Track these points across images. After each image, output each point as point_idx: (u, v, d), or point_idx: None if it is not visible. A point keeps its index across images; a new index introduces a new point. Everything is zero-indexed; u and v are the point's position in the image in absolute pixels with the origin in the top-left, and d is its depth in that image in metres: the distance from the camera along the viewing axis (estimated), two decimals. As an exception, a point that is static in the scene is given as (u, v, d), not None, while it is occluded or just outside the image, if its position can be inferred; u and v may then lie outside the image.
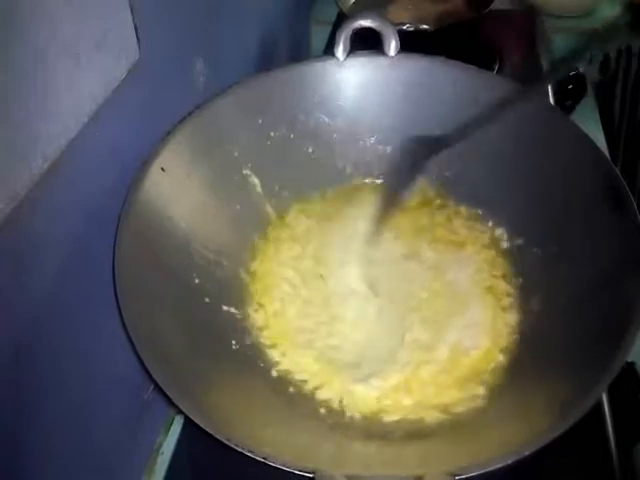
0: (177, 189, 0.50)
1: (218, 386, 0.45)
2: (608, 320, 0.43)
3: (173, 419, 0.56)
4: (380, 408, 0.47)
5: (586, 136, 0.51)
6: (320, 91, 0.58)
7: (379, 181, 0.60)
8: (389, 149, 0.60)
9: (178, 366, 0.42)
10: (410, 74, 0.58)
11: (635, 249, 0.45)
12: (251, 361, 0.49)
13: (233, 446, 0.37)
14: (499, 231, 0.56)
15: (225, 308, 0.51)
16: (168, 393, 0.38)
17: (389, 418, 0.46)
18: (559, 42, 0.91)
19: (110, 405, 0.48)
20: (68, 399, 0.42)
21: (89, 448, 0.45)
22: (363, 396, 0.47)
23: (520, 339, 0.50)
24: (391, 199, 0.55)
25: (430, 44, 0.60)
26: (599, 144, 0.52)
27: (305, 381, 0.48)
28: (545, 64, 0.83)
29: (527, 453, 0.36)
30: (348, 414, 0.47)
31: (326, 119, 0.59)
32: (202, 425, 0.37)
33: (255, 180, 0.56)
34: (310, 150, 0.59)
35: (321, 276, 0.53)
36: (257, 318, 0.51)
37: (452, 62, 0.58)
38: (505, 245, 0.55)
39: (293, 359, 0.49)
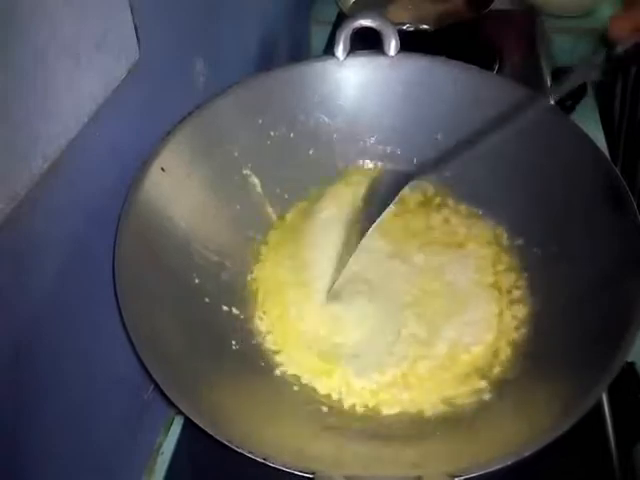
0: (177, 189, 0.50)
1: (218, 386, 0.45)
2: (608, 320, 0.43)
3: (173, 419, 0.56)
4: (379, 401, 0.47)
5: (586, 136, 0.51)
6: (320, 91, 0.58)
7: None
8: (389, 149, 0.60)
9: (178, 366, 0.42)
10: (410, 74, 0.58)
11: (635, 249, 0.45)
12: (251, 361, 0.49)
13: (233, 447, 0.37)
14: (499, 231, 0.56)
15: (225, 308, 0.51)
16: (168, 394, 0.38)
17: (388, 411, 0.47)
18: (559, 42, 0.91)
19: (110, 405, 0.48)
20: (68, 399, 0.42)
21: (89, 448, 0.45)
22: (362, 389, 0.48)
23: (522, 339, 0.50)
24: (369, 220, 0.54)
25: (430, 44, 0.60)
26: (599, 144, 0.52)
27: (306, 379, 0.48)
28: (545, 64, 0.83)
29: (527, 454, 0.36)
30: (348, 408, 0.47)
31: (326, 119, 0.59)
32: (202, 426, 0.37)
33: (255, 180, 0.56)
34: (310, 150, 0.59)
35: (320, 276, 0.53)
36: (258, 319, 0.51)
37: (452, 62, 0.58)
38: (506, 243, 0.55)
39: (294, 359, 0.49)
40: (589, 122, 0.77)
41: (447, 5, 0.83)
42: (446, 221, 0.57)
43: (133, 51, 0.45)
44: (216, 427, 0.38)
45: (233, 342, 0.49)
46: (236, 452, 0.37)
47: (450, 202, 0.59)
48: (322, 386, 0.48)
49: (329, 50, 0.58)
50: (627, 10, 0.44)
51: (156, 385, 0.39)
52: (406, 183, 0.53)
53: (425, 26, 0.76)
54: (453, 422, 0.45)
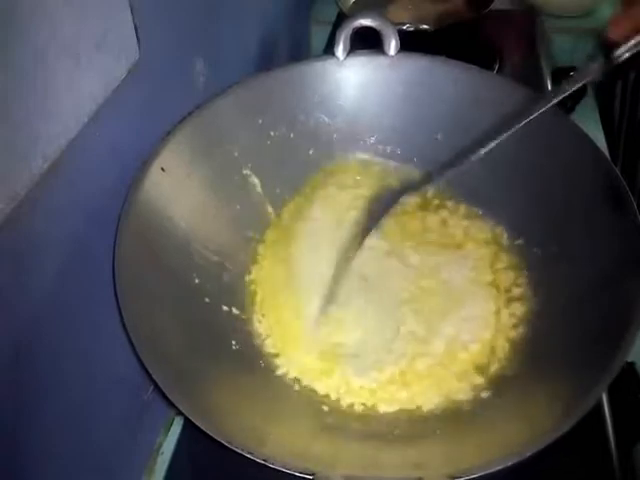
0: (177, 189, 0.50)
1: (218, 386, 0.45)
2: (608, 320, 0.43)
3: (173, 419, 0.56)
4: (378, 399, 0.47)
5: (586, 136, 0.51)
6: (320, 91, 0.58)
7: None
8: (389, 149, 0.60)
9: (178, 366, 0.42)
10: (410, 74, 0.58)
11: (635, 249, 0.45)
12: (251, 361, 0.49)
13: (233, 448, 0.37)
14: (499, 230, 0.56)
15: (225, 308, 0.51)
16: (168, 394, 0.38)
17: (387, 409, 0.47)
18: (559, 42, 0.91)
19: (110, 405, 0.48)
20: (68, 399, 0.42)
21: (89, 448, 0.45)
22: (361, 388, 0.48)
23: (520, 338, 0.50)
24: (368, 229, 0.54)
25: (430, 44, 0.60)
26: (599, 144, 0.52)
27: (306, 380, 0.48)
28: (545, 64, 0.84)
29: (527, 455, 0.36)
30: (346, 408, 0.47)
31: (326, 119, 0.59)
32: (202, 427, 0.37)
33: (255, 180, 0.56)
34: (310, 150, 0.59)
35: (317, 277, 0.53)
36: (257, 322, 0.51)
37: (452, 62, 0.58)
38: (506, 243, 0.55)
39: (294, 362, 0.49)
40: (589, 122, 0.77)
41: (447, 5, 0.83)
42: (444, 223, 0.57)
43: (133, 51, 0.45)
44: (216, 428, 0.38)
45: (233, 342, 0.49)
46: (236, 453, 0.37)
47: (450, 202, 0.58)
48: (322, 386, 0.48)
49: (329, 50, 0.58)
50: (627, 10, 0.44)
51: (156, 385, 0.39)
52: (410, 192, 0.53)
53: (425, 26, 0.76)
54: (452, 420, 0.46)
